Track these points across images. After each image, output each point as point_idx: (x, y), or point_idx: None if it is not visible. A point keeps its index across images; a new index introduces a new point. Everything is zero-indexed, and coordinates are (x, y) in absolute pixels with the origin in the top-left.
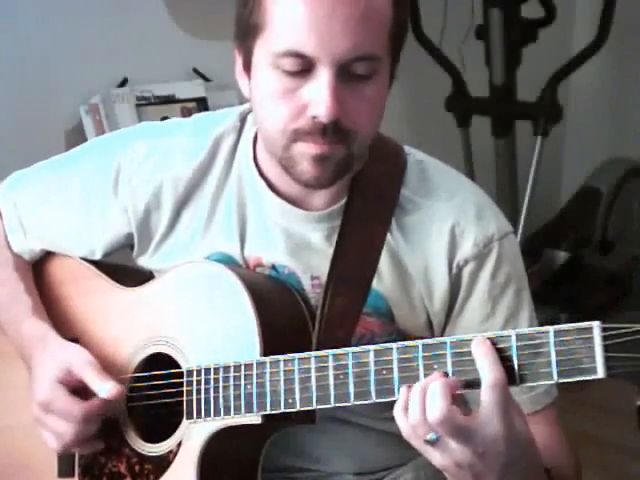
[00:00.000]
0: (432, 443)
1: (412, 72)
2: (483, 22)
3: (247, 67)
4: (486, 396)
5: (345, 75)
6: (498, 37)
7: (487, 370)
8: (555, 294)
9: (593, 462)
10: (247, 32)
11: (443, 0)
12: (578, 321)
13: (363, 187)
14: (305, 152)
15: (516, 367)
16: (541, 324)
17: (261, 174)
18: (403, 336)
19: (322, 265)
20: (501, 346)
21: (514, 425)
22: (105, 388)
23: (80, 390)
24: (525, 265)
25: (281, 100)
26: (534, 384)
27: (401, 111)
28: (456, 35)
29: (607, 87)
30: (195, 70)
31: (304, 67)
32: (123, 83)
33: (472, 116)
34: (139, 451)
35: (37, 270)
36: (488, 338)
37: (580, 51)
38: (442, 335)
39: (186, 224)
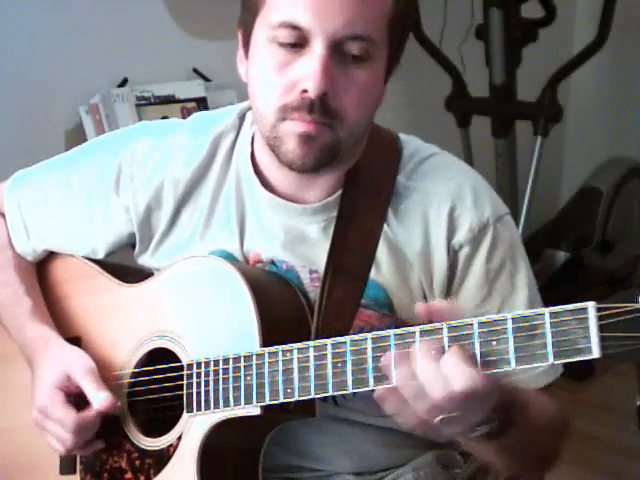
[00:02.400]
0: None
1: (412, 72)
2: (483, 22)
3: (246, 49)
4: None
5: (339, 55)
6: (498, 37)
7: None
8: (555, 294)
9: (593, 462)
10: (248, 11)
11: (443, 0)
12: None
13: (358, 178)
14: (292, 130)
15: (512, 349)
16: None
17: (257, 171)
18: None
19: (320, 258)
20: (497, 328)
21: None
22: (99, 399)
23: (78, 396)
24: None
25: (275, 75)
26: (530, 366)
27: (401, 111)
28: (456, 35)
29: (607, 87)
30: (195, 70)
31: (298, 40)
32: (123, 83)
33: (472, 116)
34: (140, 446)
35: (39, 269)
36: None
37: (580, 51)
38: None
39: (186, 222)
